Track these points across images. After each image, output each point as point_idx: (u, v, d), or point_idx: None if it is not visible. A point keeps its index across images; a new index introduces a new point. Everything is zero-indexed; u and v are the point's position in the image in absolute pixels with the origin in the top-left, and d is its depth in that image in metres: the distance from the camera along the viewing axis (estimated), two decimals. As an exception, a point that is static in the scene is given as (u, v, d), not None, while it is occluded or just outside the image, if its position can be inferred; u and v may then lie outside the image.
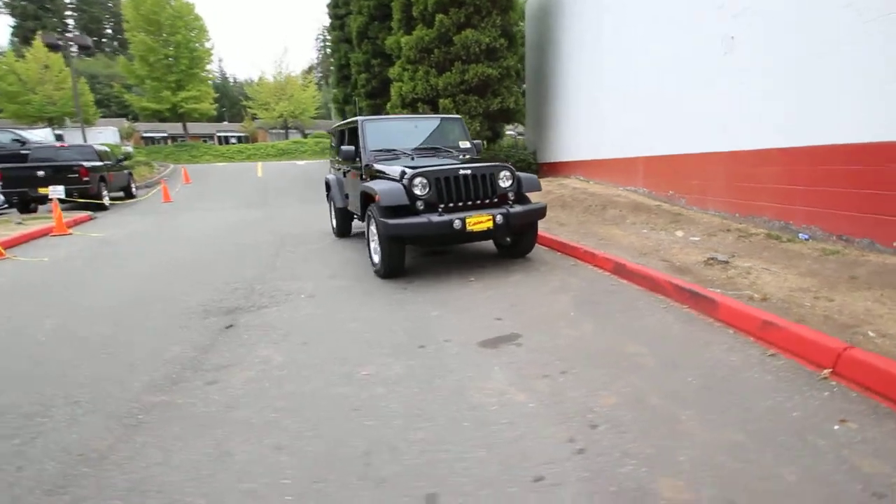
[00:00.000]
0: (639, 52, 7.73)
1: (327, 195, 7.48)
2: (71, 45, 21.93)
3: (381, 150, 5.60)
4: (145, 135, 43.58)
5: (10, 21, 47.45)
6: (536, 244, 5.39)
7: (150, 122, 40.31)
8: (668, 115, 7.12)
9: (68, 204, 10.65)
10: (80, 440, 2.23)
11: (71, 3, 54.93)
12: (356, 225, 7.13)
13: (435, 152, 5.72)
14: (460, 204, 4.63)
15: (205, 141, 42.18)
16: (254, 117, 42.75)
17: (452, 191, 4.60)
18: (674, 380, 2.54)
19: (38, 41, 26.26)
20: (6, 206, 11.55)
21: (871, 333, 2.77)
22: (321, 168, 20.11)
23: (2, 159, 12.12)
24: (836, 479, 1.75)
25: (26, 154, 12.08)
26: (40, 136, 17.36)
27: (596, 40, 9.11)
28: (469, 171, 4.66)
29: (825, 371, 2.48)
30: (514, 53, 11.02)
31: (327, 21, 26.38)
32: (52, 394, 2.68)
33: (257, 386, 2.69)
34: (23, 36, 43.12)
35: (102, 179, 11.82)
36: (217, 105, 35.94)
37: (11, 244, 7.25)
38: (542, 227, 5.48)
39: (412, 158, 5.40)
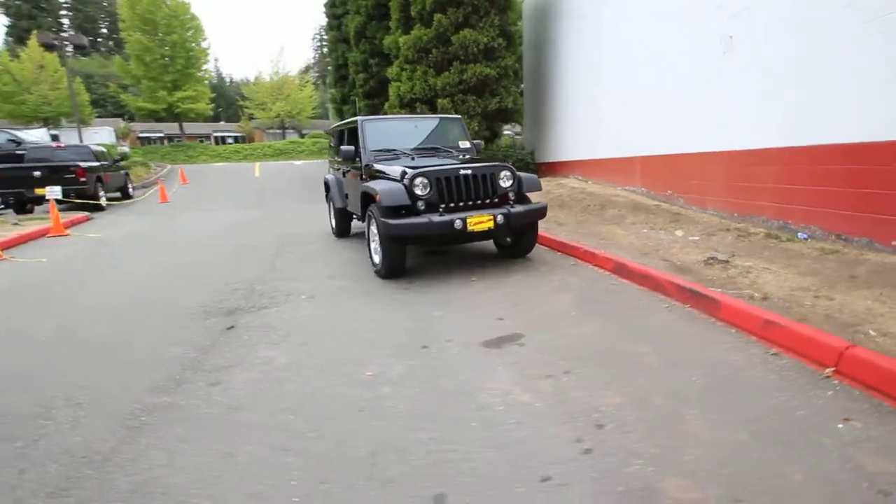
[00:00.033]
0: (637, 50, 7.75)
1: (326, 195, 7.47)
2: (66, 45, 21.81)
3: (381, 150, 5.59)
4: (141, 135, 43.41)
5: (5, 21, 47.26)
6: (536, 244, 5.40)
7: (147, 122, 40.14)
8: (667, 115, 7.14)
9: (65, 204, 10.59)
10: (82, 442, 2.21)
11: (66, 3, 54.66)
12: (355, 225, 7.12)
13: (435, 152, 5.72)
14: (461, 204, 4.62)
15: (201, 141, 42.03)
16: (250, 117, 42.63)
17: (453, 191, 4.60)
18: (677, 379, 2.54)
19: (33, 41, 26.13)
20: (2, 206, 11.48)
21: (872, 332, 2.78)
22: (319, 168, 20.09)
23: (-2, 160, 12.05)
24: (841, 478, 1.76)
25: (22, 154, 12.00)
26: (36, 136, 17.26)
27: (594, 38, 9.13)
28: (470, 171, 4.66)
29: (828, 370, 2.49)
30: (513, 53, 11.03)
31: (324, 21, 26.32)
32: (53, 395, 2.66)
33: (260, 387, 2.68)
34: (17, 35, 42.88)
35: (99, 180, 11.76)
36: (213, 105, 35.79)
37: (8, 245, 7.21)
38: (542, 227, 5.48)
39: (412, 158, 5.40)
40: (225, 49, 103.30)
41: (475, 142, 6.15)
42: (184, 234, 8.32)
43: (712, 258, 4.47)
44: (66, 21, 54.26)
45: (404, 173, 4.59)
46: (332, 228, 7.36)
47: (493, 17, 10.27)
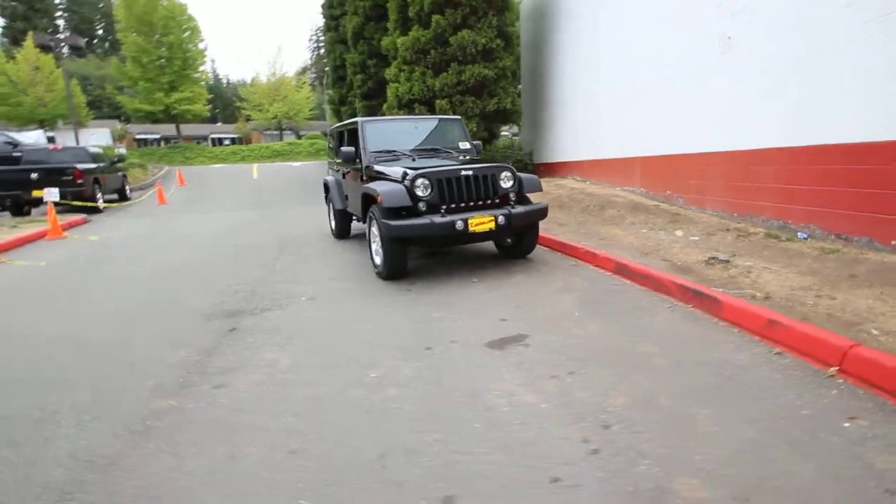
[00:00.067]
0: (635, 50, 7.77)
1: (326, 197, 7.46)
2: (63, 46, 21.74)
3: (381, 152, 5.59)
4: (138, 136, 43.23)
5: (0, 22, 47.00)
6: (537, 244, 5.40)
7: (143, 123, 39.99)
8: (666, 115, 7.16)
9: (62, 207, 10.53)
10: (88, 447, 2.20)
11: (61, 4, 54.44)
12: (355, 226, 7.12)
13: (435, 153, 5.72)
14: (462, 205, 4.62)
15: (198, 143, 41.88)
16: (248, 119, 42.52)
17: (454, 192, 4.60)
18: (682, 379, 2.55)
19: (28, 42, 26.02)
20: (-1, 209, 11.42)
21: (874, 331, 2.80)
22: (317, 169, 20.08)
23: (-6, 162, 11.98)
24: (849, 476, 1.76)
25: (19, 156, 11.94)
26: (32, 138, 17.19)
27: (592, 38, 9.15)
28: (471, 172, 4.66)
29: (832, 369, 2.50)
30: (511, 54, 11.04)
31: (321, 22, 26.32)
32: (58, 400, 2.65)
33: (266, 389, 2.68)
34: (12, 37, 42.67)
35: (97, 182, 11.72)
36: (210, 107, 35.77)
37: (6, 248, 7.18)
38: (542, 228, 5.48)
39: (413, 159, 5.40)
40: (222, 50, 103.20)
41: (475, 142, 6.16)
42: (183, 236, 8.29)
43: (713, 258, 4.49)
44: (61, 22, 54.00)
45: (405, 174, 4.58)
46: (332, 230, 7.35)
47: (490, 18, 10.28)
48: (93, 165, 11.88)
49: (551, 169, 11.06)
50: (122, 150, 24.79)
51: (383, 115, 12.41)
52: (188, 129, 41.07)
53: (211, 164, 27.37)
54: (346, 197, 6.55)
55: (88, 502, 1.85)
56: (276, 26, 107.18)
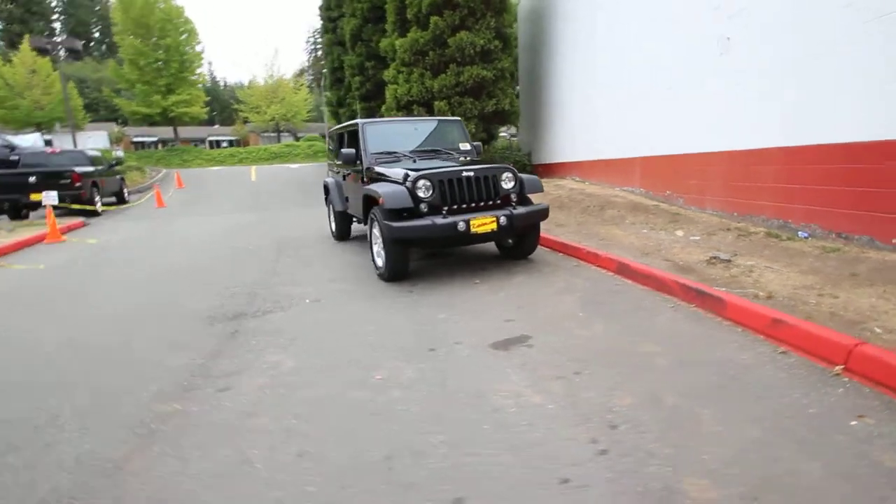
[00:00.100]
0: (632, 52, 7.79)
1: (326, 199, 7.45)
2: (59, 49, 21.69)
3: (381, 153, 5.59)
4: (136, 139, 43.15)
5: (-3, 25, 46.88)
6: (538, 245, 5.39)
7: (141, 126, 39.93)
8: (665, 116, 7.17)
9: (60, 210, 10.50)
10: (92, 451, 2.19)
11: (58, 7, 54.35)
12: (355, 228, 7.11)
13: (436, 154, 5.72)
14: (464, 206, 4.62)
15: (196, 145, 41.80)
16: (245, 121, 42.51)
17: (456, 193, 4.60)
18: (688, 378, 2.55)
19: (25, 45, 25.97)
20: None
21: (877, 329, 2.80)
22: (315, 171, 20.07)
23: (-9, 165, 11.93)
24: (858, 474, 1.76)
25: (16, 160, 11.90)
26: (29, 141, 17.14)
27: (589, 40, 9.17)
28: (472, 173, 4.66)
29: (837, 367, 2.50)
30: (509, 55, 11.06)
31: (319, 23, 26.32)
32: (60, 404, 2.63)
33: (270, 392, 2.67)
34: (9, 40, 42.57)
35: (95, 185, 11.68)
36: (208, 109, 35.76)
37: (5, 252, 7.15)
38: (542, 228, 5.48)
39: (413, 161, 5.40)
40: (219, 52, 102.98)
41: (475, 143, 6.16)
42: (183, 239, 8.27)
43: (714, 257, 4.49)
44: (58, 25, 53.96)
45: (406, 176, 4.58)
46: (332, 232, 7.33)
47: (489, 19, 10.29)
48: (91, 168, 11.83)
49: (550, 169, 11.07)
50: (120, 153, 24.72)
51: (382, 116, 12.42)
52: (186, 132, 41.02)
53: (209, 167, 27.34)
54: (347, 199, 6.54)
55: (95, 508, 1.84)
56: (272, 29, 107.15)
